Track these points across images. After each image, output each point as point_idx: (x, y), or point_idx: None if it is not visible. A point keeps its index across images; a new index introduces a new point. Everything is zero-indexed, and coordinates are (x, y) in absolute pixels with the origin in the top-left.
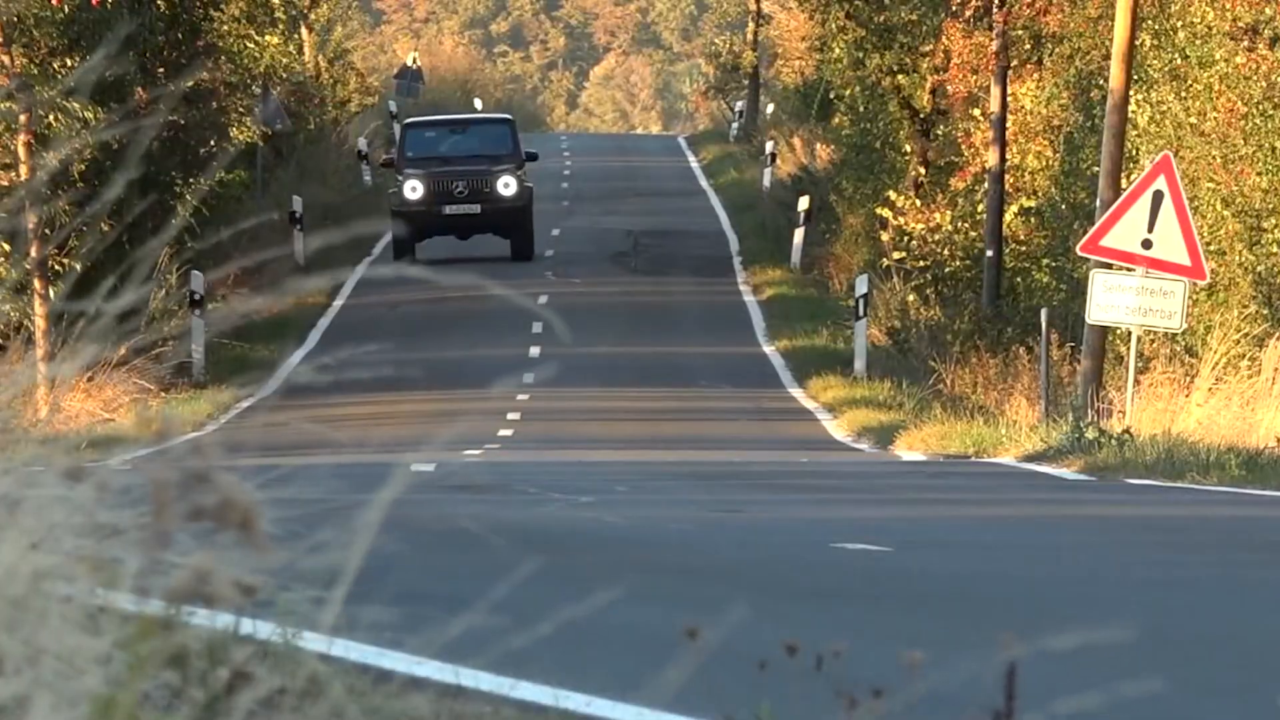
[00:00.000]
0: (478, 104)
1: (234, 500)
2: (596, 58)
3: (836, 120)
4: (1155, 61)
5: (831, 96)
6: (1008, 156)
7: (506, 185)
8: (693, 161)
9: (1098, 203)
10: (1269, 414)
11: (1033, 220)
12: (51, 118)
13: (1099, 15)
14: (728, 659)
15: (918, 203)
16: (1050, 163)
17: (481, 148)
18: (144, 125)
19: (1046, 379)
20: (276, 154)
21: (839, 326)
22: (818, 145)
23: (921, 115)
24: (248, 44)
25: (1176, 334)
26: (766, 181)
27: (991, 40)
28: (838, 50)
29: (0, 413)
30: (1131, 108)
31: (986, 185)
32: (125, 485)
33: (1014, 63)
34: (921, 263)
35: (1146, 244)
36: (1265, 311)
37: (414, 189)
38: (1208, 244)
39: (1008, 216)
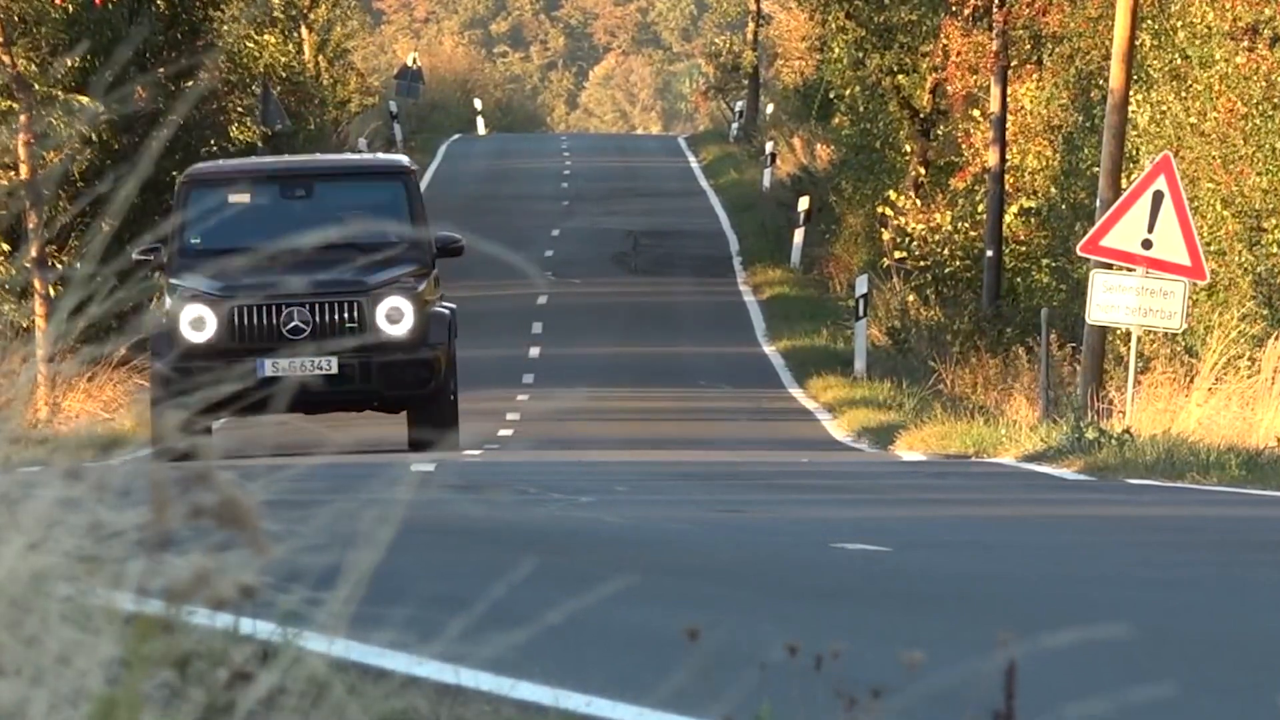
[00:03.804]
0: (477, 104)
1: (233, 500)
2: (596, 58)
3: (836, 120)
4: (1155, 61)
5: (831, 96)
6: (1008, 156)
7: (395, 316)
8: (693, 162)
9: (1098, 203)
10: (1269, 414)
11: (1033, 220)
12: (52, 118)
13: (1099, 15)
14: (728, 659)
15: (918, 203)
16: (1050, 163)
17: (345, 231)
18: (155, 132)
19: (1046, 379)
20: (276, 154)
21: (839, 326)
22: (818, 145)
23: (921, 115)
24: (246, 43)
25: (1176, 334)
26: (766, 182)
27: (991, 40)
28: (838, 50)
29: (0, 412)
30: (1131, 108)
31: (986, 185)
32: (125, 485)
33: (1014, 63)
34: (922, 263)
35: (1146, 244)
36: (1265, 311)
37: (198, 322)
38: (1208, 244)
39: (1008, 216)
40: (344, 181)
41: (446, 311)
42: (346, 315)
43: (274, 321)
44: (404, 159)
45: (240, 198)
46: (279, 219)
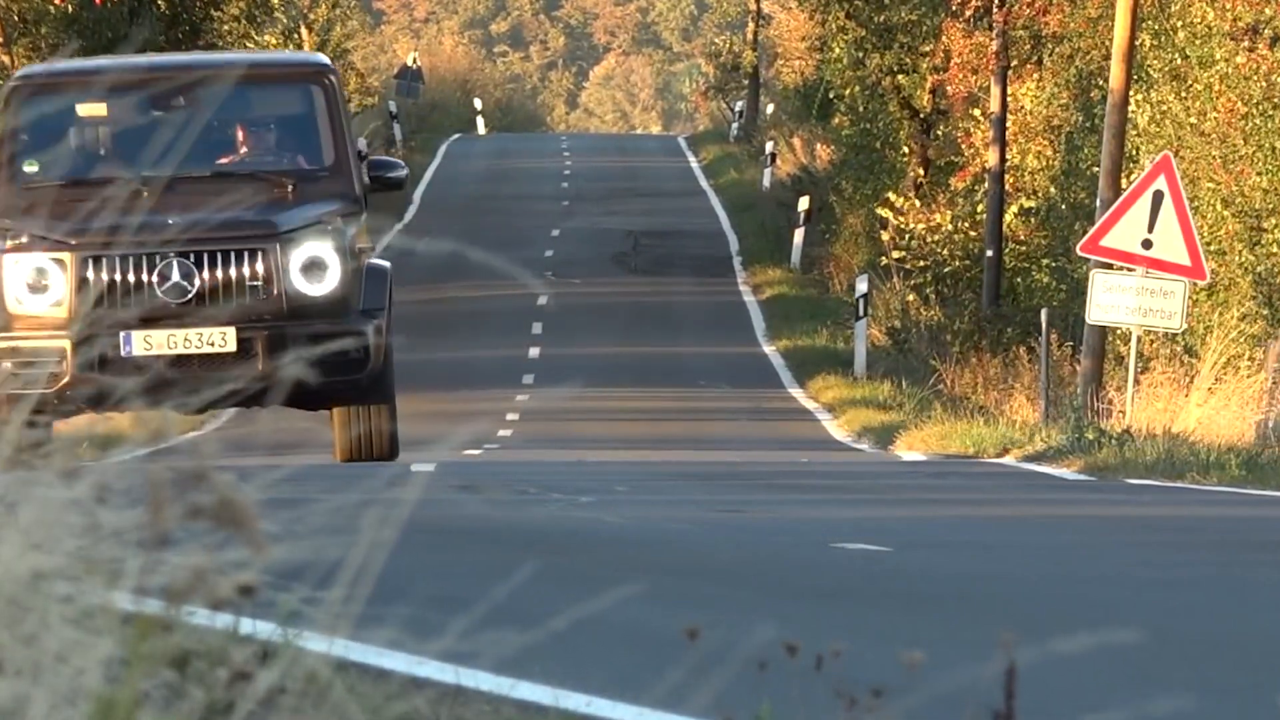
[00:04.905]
0: (477, 104)
1: (232, 500)
2: (596, 58)
3: (836, 120)
4: (1155, 61)
5: (831, 96)
6: (1008, 156)
7: (315, 271)
8: (693, 162)
9: (1098, 203)
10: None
11: (1033, 220)
12: None
13: (1099, 15)
14: (728, 659)
15: (917, 203)
16: (1050, 163)
17: (240, 154)
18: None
19: (1046, 379)
20: None
21: (839, 326)
22: (818, 145)
23: (921, 115)
24: (247, 44)
25: (1176, 334)
26: (766, 181)
27: (991, 40)
28: (838, 50)
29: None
30: (1131, 108)
31: (986, 185)
32: (125, 485)
33: (1014, 63)
34: (921, 263)
35: (1146, 244)
36: (1265, 311)
37: (37, 280)
38: (1208, 244)
39: (1008, 216)
40: (238, 87)
41: (386, 267)
42: (248, 270)
43: (145, 279)
44: (321, 57)
45: (94, 110)
46: (149, 138)
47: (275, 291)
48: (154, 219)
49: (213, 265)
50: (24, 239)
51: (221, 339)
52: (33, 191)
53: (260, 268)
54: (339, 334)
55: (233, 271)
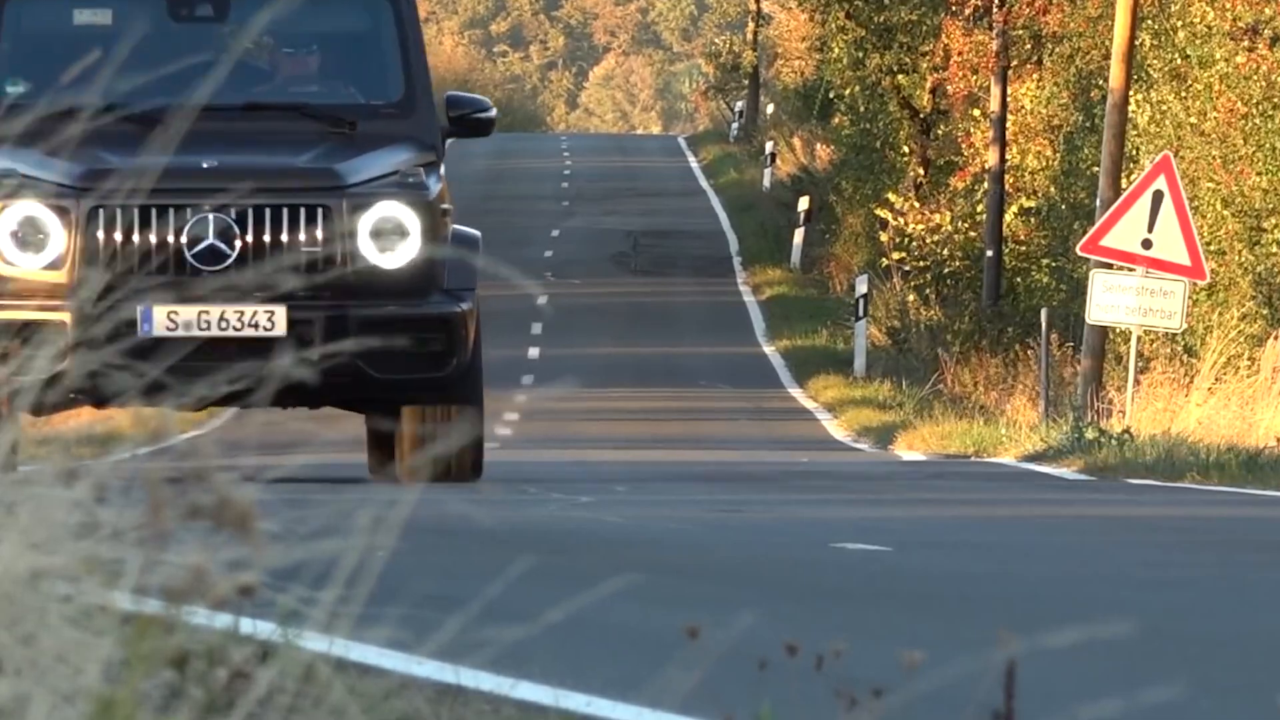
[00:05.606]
0: None
1: (231, 499)
2: (596, 58)
3: (836, 120)
4: (1155, 61)
5: (831, 96)
6: (1008, 156)
7: (391, 237)
8: (692, 162)
9: (1098, 202)
10: (1269, 414)
11: (1033, 220)
12: None
13: (1099, 15)
14: (728, 659)
15: (916, 204)
16: (1050, 163)
17: (285, 82)
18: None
19: (1046, 379)
20: None
21: (839, 326)
22: (818, 145)
23: (921, 115)
24: None
25: (1176, 334)
26: (766, 181)
27: (991, 40)
28: (838, 50)
29: None
30: (1131, 108)
31: (986, 185)
32: (124, 485)
33: (1014, 63)
34: (921, 263)
35: (1146, 244)
36: (1265, 311)
37: (29, 233)
38: (1208, 244)
39: (1008, 216)
40: None
41: (476, 236)
42: (304, 233)
43: (170, 239)
44: None
45: (96, 18)
46: (167, 57)
47: (338, 262)
48: (182, 162)
49: (259, 225)
50: (11, 182)
51: (268, 320)
52: (18, 118)
53: (320, 231)
54: (418, 319)
55: (284, 234)
